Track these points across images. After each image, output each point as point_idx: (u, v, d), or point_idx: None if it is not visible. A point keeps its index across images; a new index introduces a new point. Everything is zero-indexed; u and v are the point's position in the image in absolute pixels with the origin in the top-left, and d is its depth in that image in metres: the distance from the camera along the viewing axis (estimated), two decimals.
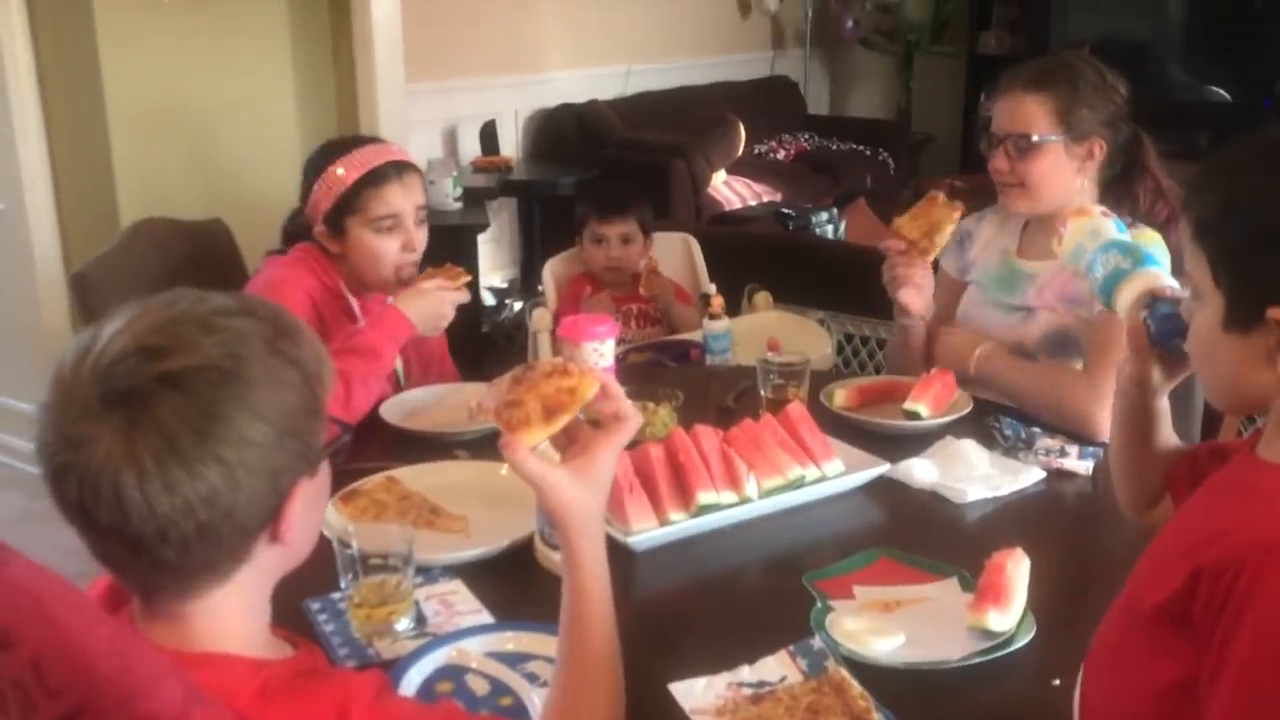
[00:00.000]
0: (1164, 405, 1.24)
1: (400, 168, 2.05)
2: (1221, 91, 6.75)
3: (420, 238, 2.06)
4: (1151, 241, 1.95)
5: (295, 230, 2.11)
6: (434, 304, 2.00)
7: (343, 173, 2.01)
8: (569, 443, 1.08)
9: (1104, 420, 1.85)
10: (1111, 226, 1.37)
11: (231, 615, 0.93)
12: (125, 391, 0.83)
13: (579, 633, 1.05)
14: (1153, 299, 1.19)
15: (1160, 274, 1.25)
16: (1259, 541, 0.86)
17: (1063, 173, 1.99)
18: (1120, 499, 1.35)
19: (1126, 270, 1.26)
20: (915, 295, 2.09)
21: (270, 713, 0.86)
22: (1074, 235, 1.38)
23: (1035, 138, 1.96)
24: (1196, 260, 0.97)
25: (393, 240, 2.02)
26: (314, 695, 0.90)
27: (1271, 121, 6.31)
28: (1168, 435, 1.25)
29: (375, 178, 2.01)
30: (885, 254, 2.10)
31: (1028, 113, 1.97)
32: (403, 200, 2.02)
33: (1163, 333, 1.15)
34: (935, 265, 2.15)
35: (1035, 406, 1.96)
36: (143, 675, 0.78)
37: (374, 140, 2.11)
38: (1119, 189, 2.02)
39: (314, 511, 0.98)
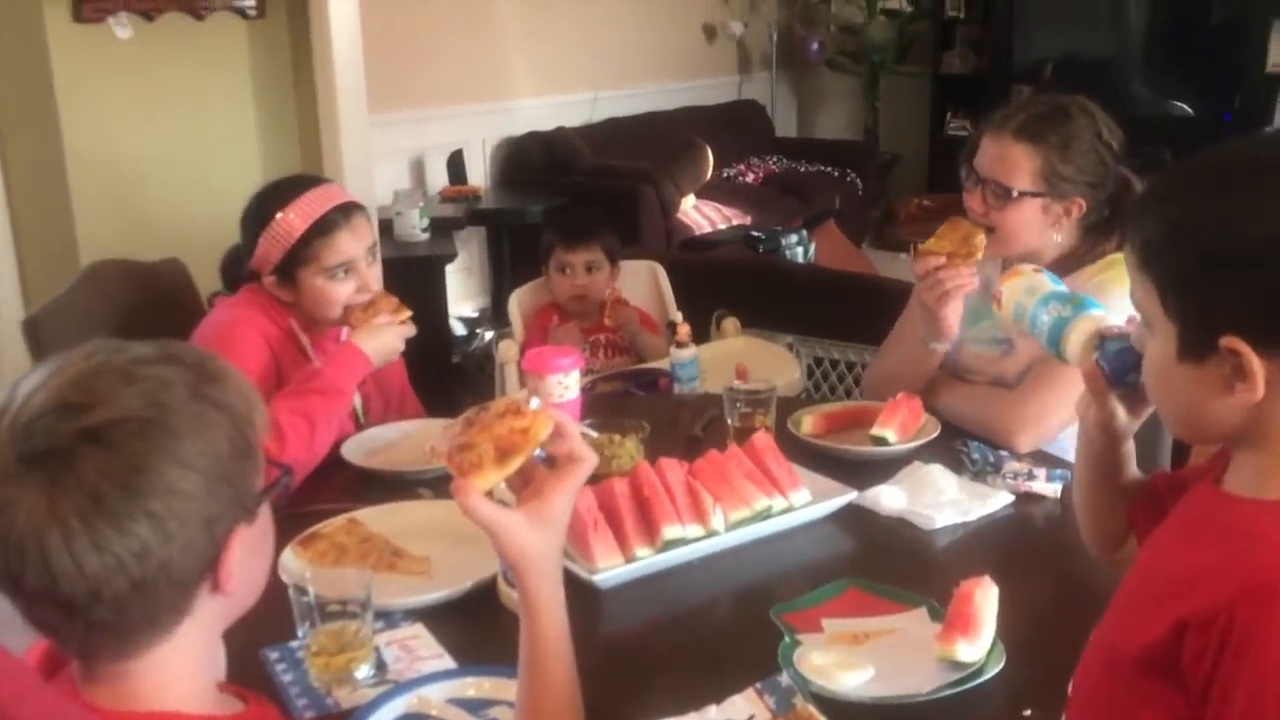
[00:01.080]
0: (1130, 448, 1.21)
1: (347, 211, 2.01)
2: (1184, 106, 6.83)
3: (374, 276, 2.04)
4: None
5: (235, 270, 2.08)
6: (389, 339, 1.99)
7: (291, 220, 1.97)
8: (523, 484, 1.06)
9: (1026, 436, 1.89)
10: (1046, 280, 1.35)
11: (176, 671, 0.90)
12: (45, 451, 0.80)
13: (538, 679, 1.03)
14: (1101, 339, 1.17)
15: (1104, 315, 1.23)
16: (1246, 585, 0.83)
17: (1036, 226, 1.93)
18: (1086, 538, 1.32)
19: (1069, 317, 1.24)
20: (958, 314, 1.99)
21: None
22: (1011, 297, 1.36)
23: (1015, 192, 1.89)
24: (1145, 289, 0.94)
25: (347, 284, 2.00)
26: None
27: (1232, 135, 6.38)
28: (1133, 474, 1.23)
29: (324, 226, 1.97)
30: (921, 276, 1.99)
31: (1013, 162, 1.89)
32: (353, 246, 2.00)
33: (1117, 370, 1.13)
34: None
35: (965, 423, 1.96)
36: None
37: (315, 182, 2.07)
38: (1106, 228, 1.97)
39: (257, 558, 0.95)
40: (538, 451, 1.07)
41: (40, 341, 1.87)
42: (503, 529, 1.01)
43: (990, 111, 2.02)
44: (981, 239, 1.93)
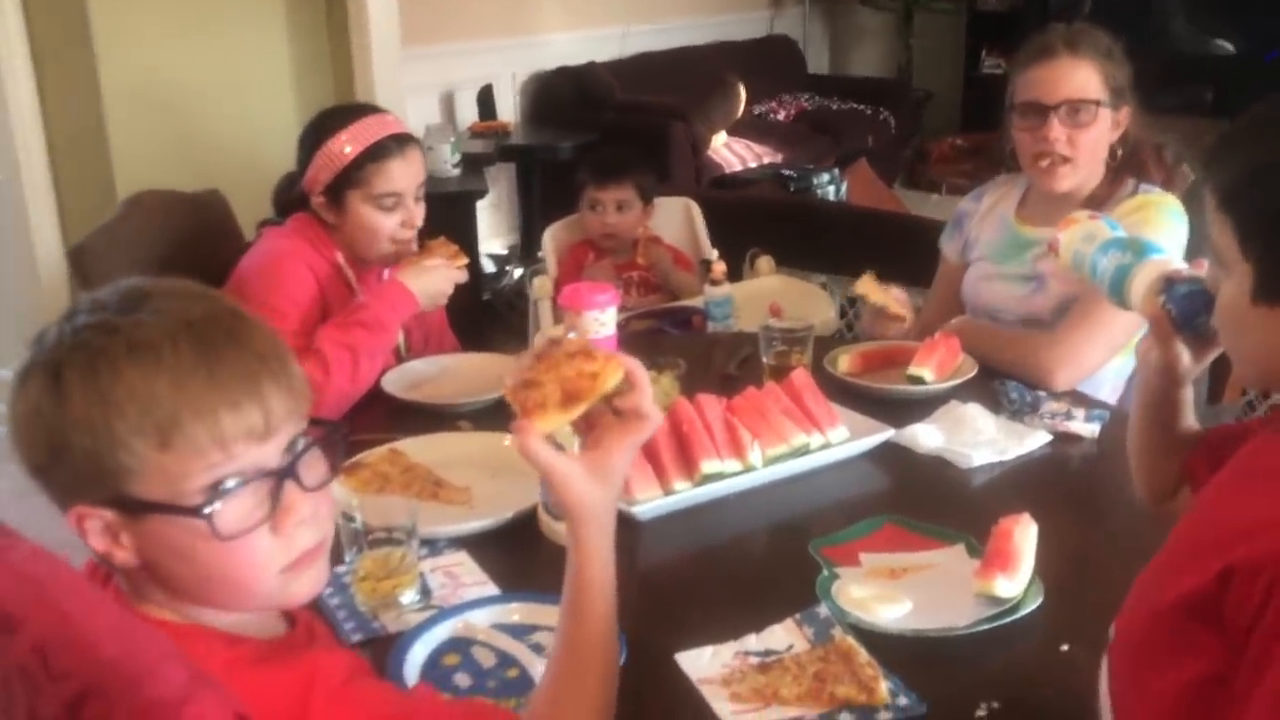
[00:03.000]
0: (1189, 394, 1.20)
1: (402, 141, 2.02)
2: (1225, 44, 6.68)
3: (419, 214, 2.04)
4: (1168, 206, 1.93)
5: (288, 199, 2.09)
6: (438, 281, 1.99)
7: (345, 145, 1.98)
8: (588, 428, 1.04)
9: (1062, 375, 1.89)
10: (1104, 226, 1.34)
11: None
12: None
13: (578, 622, 1.04)
14: (1168, 283, 1.16)
15: (1168, 259, 1.22)
16: None
17: (1104, 142, 1.97)
18: (1139, 487, 1.32)
19: (1130, 264, 1.23)
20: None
21: (233, 684, 0.83)
22: (1069, 244, 1.35)
23: (1096, 104, 1.92)
24: (1222, 230, 0.93)
25: (392, 217, 2.00)
26: (279, 671, 0.88)
27: (1275, 74, 6.26)
28: (1190, 423, 1.22)
29: (378, 152, 1.98)
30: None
31: (1083, 78, 1.92)
32: (404, 178, 2.00)
33: (1186, 314, 1.11)
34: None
35: (1000, 364, 1.95)
36: (147, 658, 0.78)
37: (373, 110, 2.08)
38: (1124, 160, 1.99)
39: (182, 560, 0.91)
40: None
41: (85, 271, 1.89)
42: (560, 476, 1.00)
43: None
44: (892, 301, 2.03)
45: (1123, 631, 1.02)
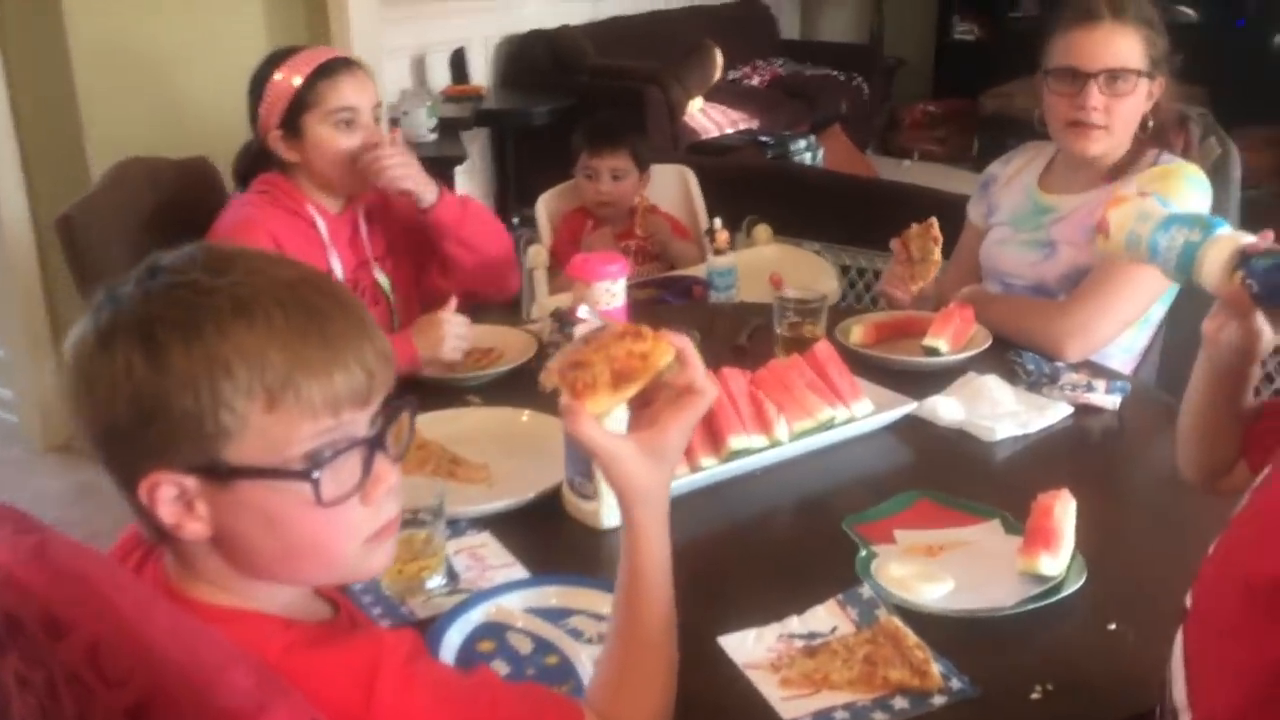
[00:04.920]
0: (1257, 369, 1.18)
1: (348, 62, 1.99)
2: (1188, 11, 6.69)
3: (380, 135, 1.98)
4: (1191, 175, 1.91)
5: (246, 169, 2.03)
6: (444, 336, 1.86)
7: (292, 76, 1.94)
8: (643, 404, 0.99)
9: (1075, 345, 1.86)
10: (1157, 204, 1.29)
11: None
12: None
13: (635, 611, 1.00)
14: (1243, 257, 1.11)
15: (1237, 233, 1.17)
16: None
17: (1139, 111, 1.94)
18: (1187, 467, 1.29)
19: (1198, 241, 1.16)
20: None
21: (296, 666, 0.81)
22: (1122, 225, 1.27)
23: (1138, 73, 1.89)
24: None
25: (353, 136, 1.95)
26: (343, 650, 0.85)
27: (1243, 42, 6.29)
28: (1250, 398, 1.20)
29: (327, 69, 1.95)
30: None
31: (1127, 46, 1.88)
32: (357, 94, 1.95)
33: (1270, 287, 1.07)
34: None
35: (1013, 334, 1.93)
36: (211, 662, 0.73)
37: (311, 46, 2.05)
38: (1145, 134, 1.97)
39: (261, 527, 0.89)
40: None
41: (74, 240, 1.81)
42: (613, 458, 0.96)
43: (999, 14, 2.00)
44: (938, 252, 1.97)
45: (1204, 605, 0.99)
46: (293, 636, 0.84)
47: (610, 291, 1.87)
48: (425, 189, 2.00)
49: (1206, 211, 1.86)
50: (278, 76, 1.95)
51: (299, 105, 1.93)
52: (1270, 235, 1.12)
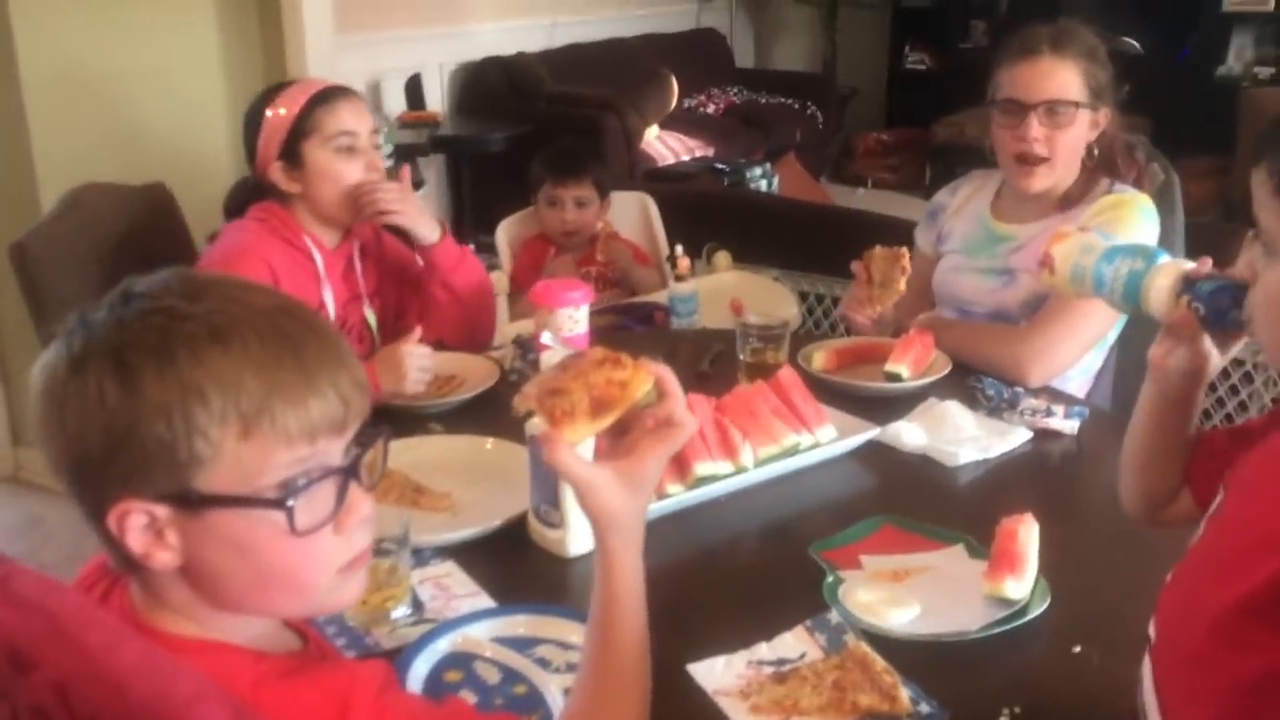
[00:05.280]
0: (1203, 394, 1.21)
1: (345, 90, 2.00)
2: (1134, 43, 6.84)
3: (379, 162, 1.99)
4: (1143, 206, 1.95)
5: (240, 205, 2.01)
6: (405, 370, 1.83)
7: (286, 106, 1.94)
8: (620, 432, 0.99)
9: (1037, 371, 1.89)
10: (1098, 238, 1.32)
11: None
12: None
13: (608, 638, 0.99)
14: (1188, 282, 1.14)
15: (1179, 260, 1.20)
16: None
17: (1081, 143, 1.98)
18: (1130, 501, 1.30)
19: (1142, 270, 1.20)
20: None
21: (268, 699, 0.80)
22: (1066, 260, 1.30)
23: (1076, 104, 1.93)
24: (1277, 215, 0.92)
25: (353, 163, 1.95)
26: (314, 683, 0.84)
27: (1186, 74, 6.44)
28: (1194, 425, 1.22)
29: (325, 96, 1.95)
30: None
31: (1064, 78, 1.93)
32: (355, 119, 1.96)
33: (1216, 310, 1.10)
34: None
35: (974, 360, 1.95)
36: (179, 697, 0.71)
37: (301, 78, 2.06)
38: (1097, 164, 2.01)
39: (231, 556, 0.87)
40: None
41: (28, 268, 1.78)
42: (590, 486, 0.95)
43: (950, 45, 2.05)
44: (903, 282, 1.97)
45: (1168, 635, 1.00)
46: (263, 669, 0.83)
47: (573, 318, 1.87)
48: (423, 227, 2.01)
49: (1155, 241, 1.90)
50: (273, 109, 1.94)
51: (298, 133, 1.93)
52: (1209, 261, 1.15)
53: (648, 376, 0.97)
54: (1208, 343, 1.14)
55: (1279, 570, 0.85)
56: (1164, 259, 1.19)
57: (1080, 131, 1.96)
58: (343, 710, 0.82)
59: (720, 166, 5.42)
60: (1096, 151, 2.00)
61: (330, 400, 0.82)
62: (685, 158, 5.56)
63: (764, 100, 6.57)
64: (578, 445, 0.96)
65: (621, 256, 2.77)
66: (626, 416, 0.97)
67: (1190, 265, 1.16)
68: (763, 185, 5.40)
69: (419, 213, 2.02)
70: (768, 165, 5.53)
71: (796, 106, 6.52)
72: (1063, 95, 1.93)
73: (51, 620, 0.74)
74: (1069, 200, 1.98)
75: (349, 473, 0.85)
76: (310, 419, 0.80)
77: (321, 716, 0.81)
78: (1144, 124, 4.52)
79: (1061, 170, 1.98)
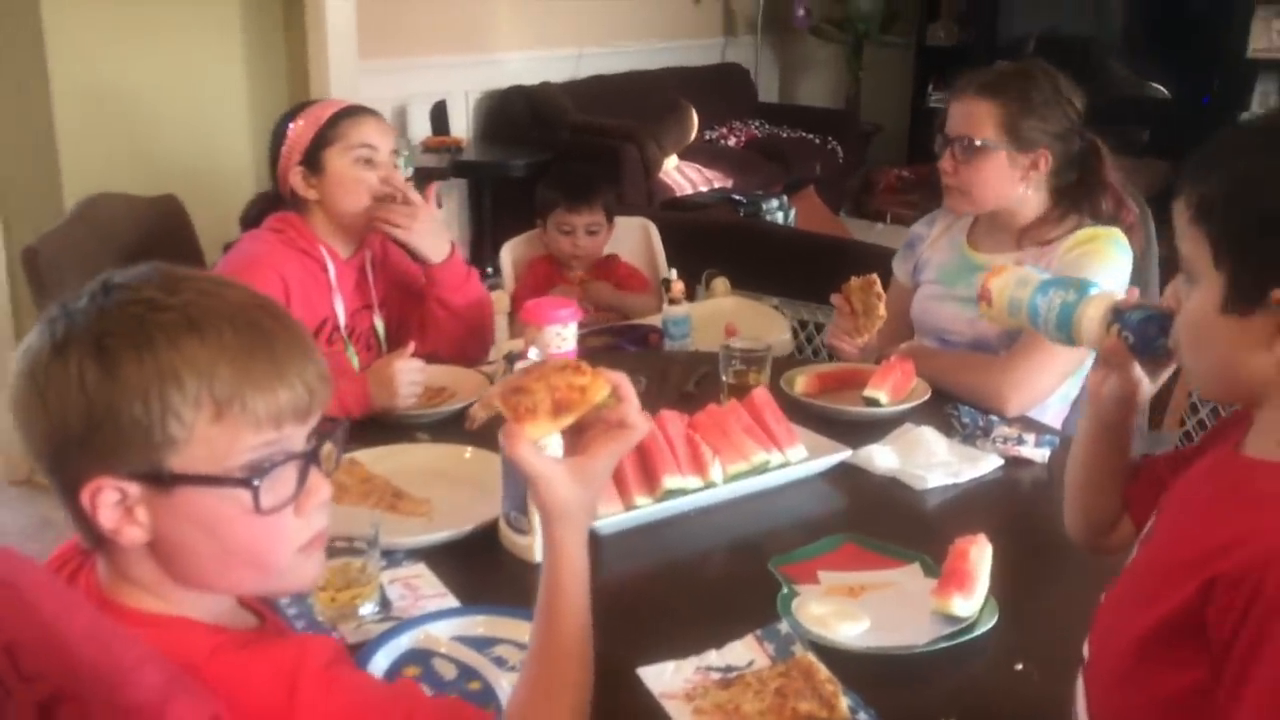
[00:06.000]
0: (1136, 421, 1.24)
1: (369, 109, 2.09)
2: (1161, 88, 6.87)
3: (398, 177, 2.06)
4: (1116, 239, 1.99)
5: (257, 215, 2.09)
6: (396, 382, 1.89)
7: (313, 117, 2.03)
8: (578, 433, 1.06)
9: (1015, 401, 1.94)
10: (1033, 271, 1.36)
11: None
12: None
13: (552, 626, 1.04)
14: (1117, 312, 1.18)
15: (1110, 291, 1.24)
16: (1277, 549, 0.84)
17: (1003, 179, 2.03)
18: (1073, 527, 1.33)
19: (1074, 301, 1.24)
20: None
21: (219, 670, 0.85)
22: (1002, 292, 1.36)
23: (979, 143, 2.01)
24: (1195, 243, 0.95)
25: (371, 173, 2.03)
26: (267, 653, 0.89)
27: (1209, 118, 6.45)
28: (1132, 452, 1.25)
29: (350, 111, 2.05)
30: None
31: (976, 118, 2.02)
32: (378, 135, 2.04)
33: (1145, 338, 1.14)
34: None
35: (954, 389, 2.00)
36: (123, 661, 0.77)
37: (334, 98, 2.16)
38: (1075, 194, 2.05)
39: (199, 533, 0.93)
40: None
41: (39, 271, 1.86)
42: (543, 479, 1.02)
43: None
44: (882, 307, 2.04)
45: (1099, 654, 1.04)
46: (219, 640, 0.88)
47: (560, 335, 1.91)
48: (427, 247, 2.07)
49: (1128, 272, 1.94)
50: (301, 120, 2.04)
51: (321, 140, 2.02)
52: (1136, 292, 1.19)
53: (605, 384, 1.04)
54: (1138, 370, 1.18)
55: (1197, 592, 0.88)
56: (1095, 290, 1.24)
57: (993, 170, 2.02)
58: (292, 679, 0.87)
59: (737, 198, 5.47)
60: (1054, 187, 2.04)
61: (297, 389, 0.88)
62: (703, 188, 5.62)
63: (785, 134, 6.63)
64: (538, 441, 1.03)
65: (601, 293, 2.83)
66: (585, 419, 1.04)
67: (1120, 296, 1.20)
68: (779, 217, 5.45)
69: (428, 232, 2.07)
70: (784, 198, 5.58)
71: (817, 141, 6.57)
72: (970, 133, 2.02)
73: (10, 588, 0.80)
74: (1041, 235, 2.03)
75: (310, 458, 0.90)
76: (278, 406, 0.86)
77: (272, 684, 0.86)
78: (1165, 167, 4.55)
79: (981, 200, 2.07)
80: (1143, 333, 1.14)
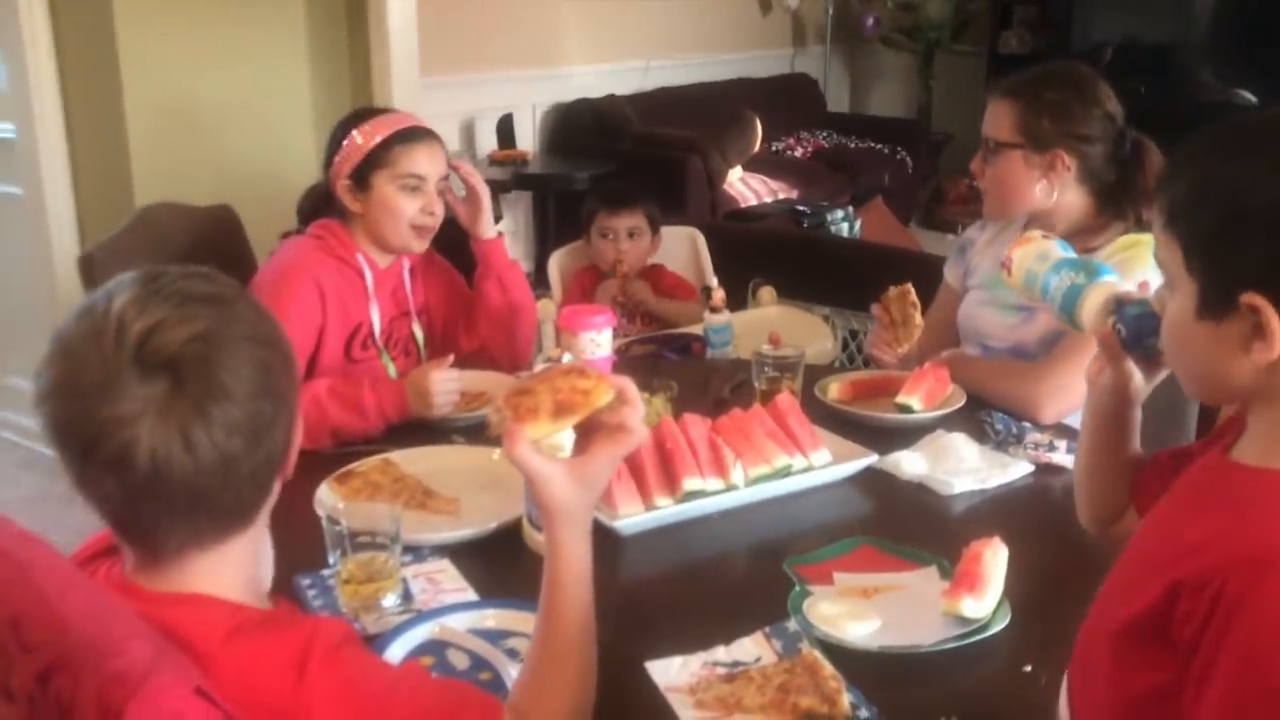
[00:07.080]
0: (1138, 415, 1.23)
1: (428, 132, 2.14)
2: (1247, 94, 6.69)
3: (439, 206, 2.12)
4: (1153, 245, 1.96)
5: (311, 208, 2.17)
6: (426, 386, 1.93)
7: (373, 133, 2.08)
8: (584, 435, 1.09)
9: (1051, 408, 1.92)
10: (1056, 247, 1.36)
11: (241, 560, 0.98)
12: (168, 359, 0.88)
13: (553, 620, 1.08)
14: (1118, 304, 1.18)
15: (1118, 280, 1.24)
16: (1244, 555, 0.84)
17: (1020, 181, 2.02)
18: (1082, 514, 1.33)
19: (1083, 284, 1.25)
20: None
21: (234, 649, 0.89)
22: (1021, 263, 1.36)
23: (994, 143, 2.03)
24: (1169, 249, 0.96)
25: (414, 201, 2.08)
26: (278, 635, 0.93)
27: None
28: (1136, 448, 1.25)
29: (406, 135, 2.09)
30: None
31: (996, 118, 2.03)
32: (429, 164, 2.09)
33: (1135, 334, 1.14)
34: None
35: (989, 396, 1.99)
36: (114, 635, 0.81)
37: (396, 110, 2.21)
38: (1119, 199, 2.02)
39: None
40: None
41: (95, 278, 1.95)
42: (542, 479, 1.05)
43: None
44: (919, 316, 2.08)
45: (1081, 652, 1.04)
46: (239, 619, 0.93)
47: (595, 341, 1.95)
48: (484, 225, 2.22)
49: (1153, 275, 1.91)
50: (359, 133, 2.09)
51: (372, 162, 2.07)
52: (1147, 285, 1.18)
53: (609, 389, 1.07)
54: (1130, 364, 1.17)
55: (1163, 594, 0.89)
56: (1105, 278, 1.24)
57: (1012, 170, 2.02)
58: (303, 659, 0.91)
59: (801, 209, 5.46)
60: (1056, 194, 2.02)
61: None
62: (767, 199, 5.63)
63: (853, 145, 6.60)
64: (540, 441, 1.06)
65: (639, 292, 2.85)
66: (590, 423, 1.07)
67: (1129, 289, 1.20)
68: (844, 228, 5.43)
69: (489, 208, 2.21)
70: (850, 209, 5.55)
71: (886, 151, 6.53)
72: (993, 134, 2.04)
73: (21, 567, 0.86)
74: (1085, 242, 2.00)
75: None
76: None
77: (284, 663, 0.91)
78: None
79: (1001, 202, 2.07)
80: (1135, 328, 1.14)
